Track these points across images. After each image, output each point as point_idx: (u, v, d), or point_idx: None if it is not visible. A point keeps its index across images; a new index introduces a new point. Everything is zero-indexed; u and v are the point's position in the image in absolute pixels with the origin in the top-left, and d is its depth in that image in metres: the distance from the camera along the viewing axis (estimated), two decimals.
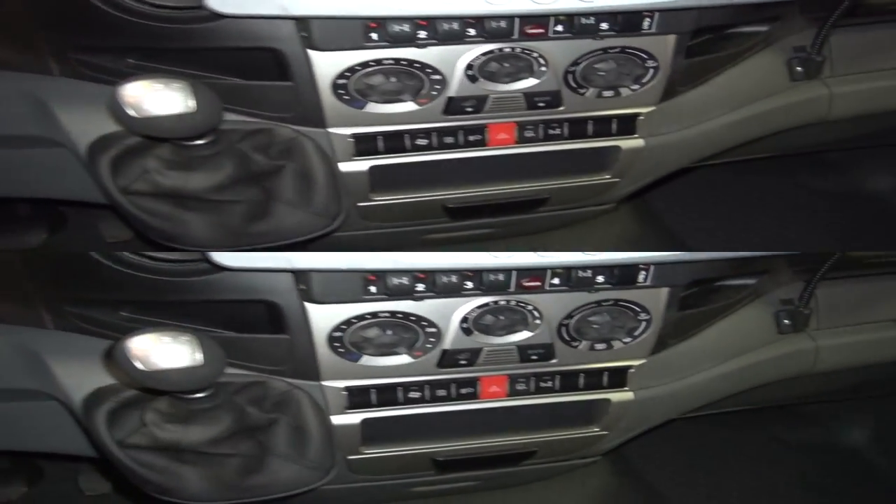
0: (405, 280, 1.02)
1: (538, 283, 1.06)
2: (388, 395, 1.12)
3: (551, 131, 1.19)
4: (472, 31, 1.03)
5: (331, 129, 1.10)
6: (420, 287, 1.03)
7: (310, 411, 1.08)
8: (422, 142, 1.15)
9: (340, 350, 1.06)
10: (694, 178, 1.67)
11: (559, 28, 1.06)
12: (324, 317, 1.04)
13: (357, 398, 1.11)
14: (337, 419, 1.13)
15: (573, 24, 1.06)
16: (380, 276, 1.01)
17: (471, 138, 1.17)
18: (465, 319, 1.07)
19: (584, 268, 1.05)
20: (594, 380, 1.16)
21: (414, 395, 1.13)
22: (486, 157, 1.21)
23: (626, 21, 1.07)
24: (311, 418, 1.08)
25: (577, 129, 1.21)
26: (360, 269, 1.00)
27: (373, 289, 1.02)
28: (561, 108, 1.17)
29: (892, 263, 1.40)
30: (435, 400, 1.14)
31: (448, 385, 1.12)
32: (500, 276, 1.04)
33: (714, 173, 1.71)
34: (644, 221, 1.78)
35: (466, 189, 1.25)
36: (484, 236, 1.43)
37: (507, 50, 1.08)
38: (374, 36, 1.01)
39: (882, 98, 1.44)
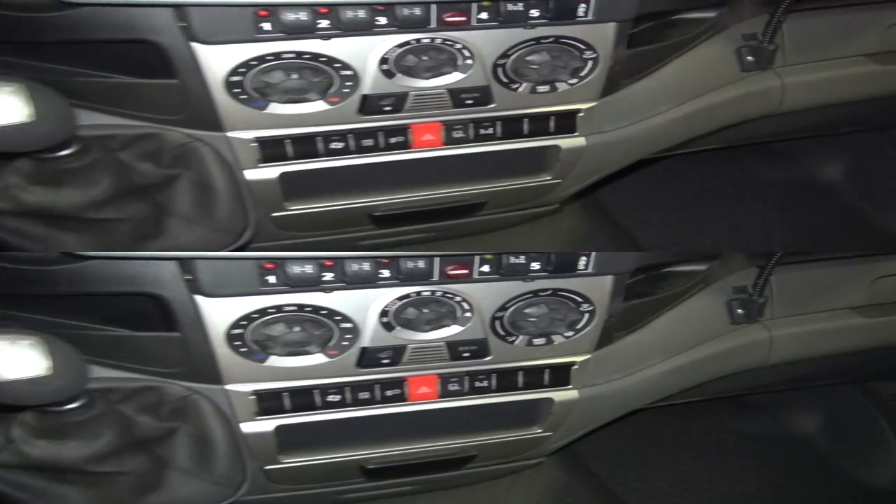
0: (309, 269, 0.83)
1: (465, 272, 0.89)
2: (303, 400, 0.94)
3: (482, 131, 1.00)
4: (382, 20, 0.83)
5: (230, 133, 0.90)
6: (327, 276, 0.84)
7: (213, 419, 0.91)
8: (337, 145, 0.95)
9: (243, 350, 0.88)
10: (640, 171, 1.49)
11: (483, 16, 0.86)
12: (219, 312, 0.85)
13: (268, 403, 0.93)
14: (247, 427, 0.95)
15: (499, 11, 0.87)
16: (279, 264, 0.83)
17: (392, 140, 0.97)
18: (384, 313, 0.90)
19: (516, 254, 0.88)
20: (534, 378, 1.01)
21: (333, 398, 0.95)
22: (411, 161, 1.02)
23: (559, 7, 0.89)
24: (216, 427, 0.91)
25: (512, 128, 1.02)
26: (253, 257, 0.81)
27: (271, 279, 0.83)
28: (492, 106, 0.98)
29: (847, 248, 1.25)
30: (358, 403, 0.96)
31: (371, 387, 0.96)
32: (421, 264, 0.86)
33: (660, 165, 1.57)
34: (591, 216, 1.62)
35: (392, 195, 1.06)
36: (421, 240, 1.25)
37: (426, 41, 0.88)
38: (266, 26, 0.80)
39: (836, 88, 1.28)
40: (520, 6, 0.87)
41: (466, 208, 1.13)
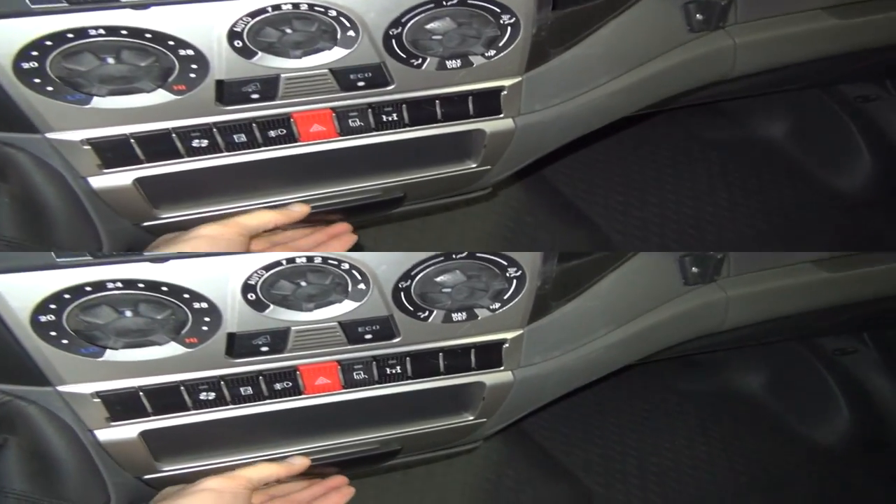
0: None
1: None
2: (167, 400, 0.65)
3: (385, 118, 0.69)
4: None
5: (50, 135, 0.56)
6: None
7: (49, 429, 0.63)
8: (200, 143, 0.62)
9: (64, 342, 0.58)
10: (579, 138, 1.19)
11: None
12: (14, 294, 0.55)
13: (119, 406, 0.64)
14: (103, 435, 0.65)
15: None
16: None
17: (272, 134, 0.65)
18: (248, 287, 0.60)
19: None
20: (458, 361, 0.72)
21: (206, 396, 0.66)
22: (302, 156, 0.70)
23: None
24: (54, 438, 0.63)
25: (421, 112, 0.72)
26: None
27: None
28: (391, 87, 0.65)
29: None
30: (241, 400, 0.68)
31: (253, 380, 0.67)
32: None
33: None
34: (529, 188, 1.33)
35: (289, 194, 0.73)
36: None
37: (287, 7, 0.53)
38: None
39: (791, 48, 0.97)
40: None
41: (381, 204, 0.81)
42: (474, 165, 0.81)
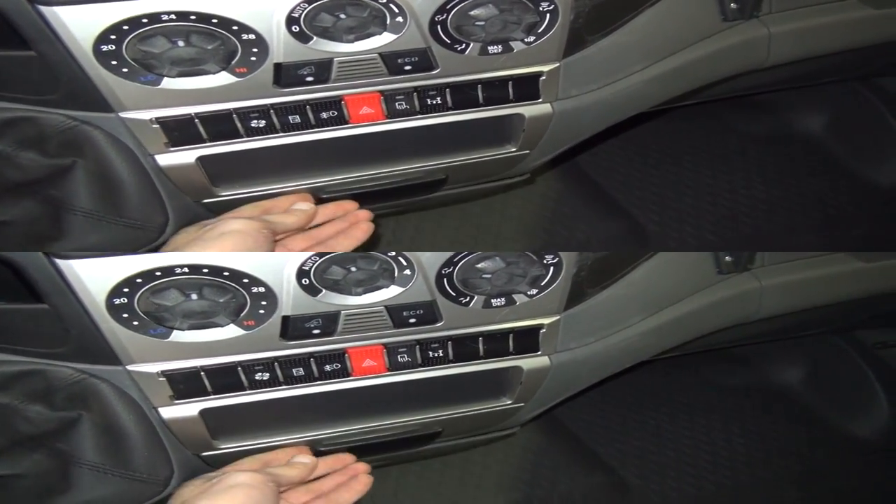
0: None
1: None
2: (225, 380, 0.70)
3: (430, 101, 0.75)
4: None
5: (124, 114, 0.61)
6: None
7: (119, 405, 0.68)
8: (258, 123, 0.68)
9: (135, 324, 0.63)
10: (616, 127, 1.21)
11: None
12: (91, 277, 0.60)
13: (183, 385, 0.69)
14: (167, 412, 0.71)
15: None
16: None
17: (324, 116, 0.71)
18: (303, 273, 0.64)
19: None
20: (497, 345, 0.76)
21: (261, 376, 0.71)
22: (351, 138, 0.76)
23: None
24: (124, 414, 0.68)
25: (464, 96, 0.76)
26: None
27: None
28: (436, 72, 0.70)
29: None
30: (293, 381, 0.72)
31: (306, 362, 0.71)
32: None
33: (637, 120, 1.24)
34: (566, 179, 1.35)
35: (337, 175, 0.79)
36: (386, 214, 0.96)
37: None
38: None
39: (826, 37, 1.00)
40: None
41: (424, 186, 0.85)
42: (513, 149, 0.85)
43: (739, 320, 0.98)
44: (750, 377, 1.48)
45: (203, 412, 0.72)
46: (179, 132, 0.68)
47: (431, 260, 0.67)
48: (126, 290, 0.62)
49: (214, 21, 0.61)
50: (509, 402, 0.84)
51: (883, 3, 0.98)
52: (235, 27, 0.61)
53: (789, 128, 1.54)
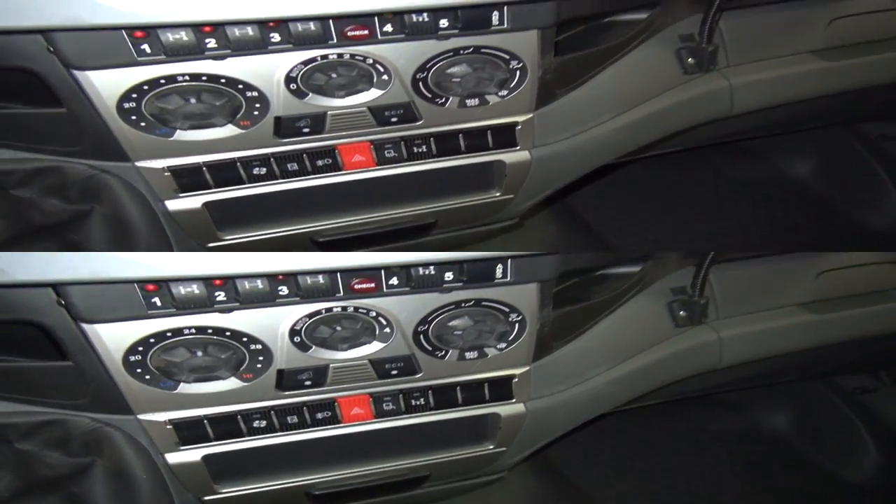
0: (196, 289, 0.67)
1: (372, 286, 0.72)
2: (226, 427, 0.78)
3: (416, 149, 0.84)
4: (275, 37, 0.66)
5: (139, 163, 0.72)
6: (220, 296, 0.68)
7: (130, 451, 0.76)
8: (259, 170, 0.77)
9: (147, 378, 0.72)
10: (612, 175, 1.33)
11: (388, 28, 0.69)
12: (110, 338, 0.69)
13: (188, 432, 0.77)
14: (172, 458, 0.78)
15: (404, 22, 0.68)
16: (160, 285, 0.66)
17: (320, 163, 0.80)
18: (295, 332, 0.73)
19: (425, 265, 0.70)
20: (474, 394, 0.84)
21: (259, 424, 0.79)
22: (345, 184, 0.85)
23: (469, 17, 0.73)
24: (134, 460, 0.76)
25: (446, 144, 0.85)
26: (129, 279, 0.65)
27: (157, 301, 0.67)
28: (420, 123, 0.80)
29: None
30: (288, 428, 0.80)
31: (298, 410, 0.80)
32: (321, 280, 0.70)
33: (631, 168, 1.36)
34: (562, 222, 1.42)
35: (333, 220, 0.89)
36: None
37: (333, 57, 0.69)
38: (146, 48, 0.62)
39: (786, 87, 1.09)
40: (425, 17, 0.69)
41: (416, 229, 0.94)
42: (498, 194, 0.94)
43: (704, 369, 1.04)
44: (740, 423, 1.52)
45: (206, 457, 0.80)
46: (188, 179, 0.78)
47: (408, 318, 0.76)
48: (141, 348, 0.70)
49: (223, 81, 0.71)
50: (491, 446, 0.92)
51: (834, 56, 1.10)
52: (241, 85, 0.72)
53: (780, 170, 1.62)
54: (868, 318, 1.09)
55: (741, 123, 1.15)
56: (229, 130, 0.75)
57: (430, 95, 0.79)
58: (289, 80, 0.73)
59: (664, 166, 1.47)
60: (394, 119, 0.80)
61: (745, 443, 1.46)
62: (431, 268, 0.71)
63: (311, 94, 0.75)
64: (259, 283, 0.68)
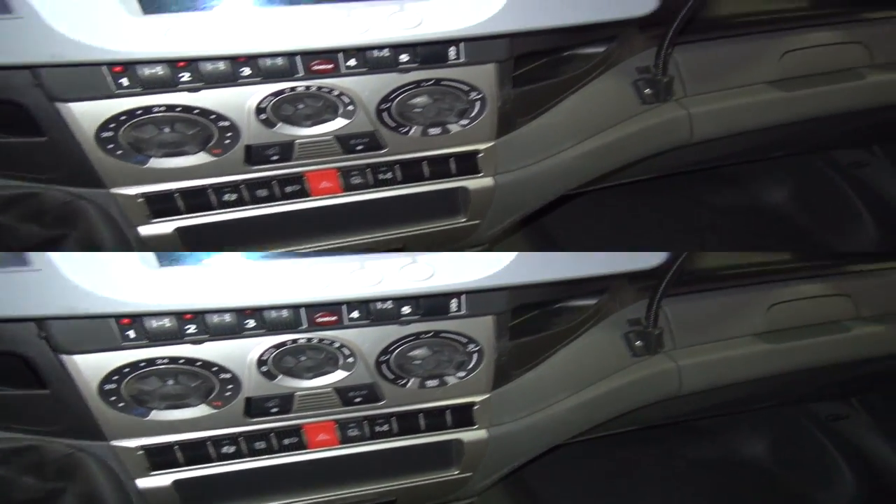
0: (167, 322, 0.71)
1: (335, 319, 0.76)
2: (196, 453, 0.82)
3: (382, 176, 0.88)
4: (245, 71, 0.71)
5: (114, 190, 0.77)
6: (190, 329, 0.72)
7: (101, 477, 0.79)
8: (229, 196, 0.82)
9: (120, 405, 0.76)
10: (587, 202, 1.36)
11: (352, 63, 0.75)
12: (87, 368, 0.73)
13: (159, 458, 0.81)
14: (143, 483, 0.82)
15: (367, 57, 0.75)
16: (135, 319, 0.71)
17: (288, 189, 0.85)
18: (262, 362, 0.78)
19: (382, 300, 0.75)
20: (436, 420, 0.88)
21: (228, 449, 0.83)
22: (313, 210, 0.89)
23: (427, 52, 0.78)
24: (105, 485, 0.79)
25: (411, 171, 0.91)
26: (105, 315, 0.69)
27: (131, 334, 0.72)
28: (384, 150, 0.85)
29: (738, 276, 1.10)
30: (256, 453, 0.84)
31: (266, 436, 0.84)
32: (285, 314, 0.75)
33: (607, 195, 1.38)
34: (537, 249, 1.45)
35: (301, 245, 0.92)
36: None
37: (300, 89, 0.75)
38: (124, 81, 0.67)
39: (744, 116, 1.14)
40: (386, 52, 0.75)
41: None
42: (464, 220, 1.00)
43: (665, 396, 1.08)
44: (716, 449, 1.54)
45: (176, 483, 0.84)
46: (160, 205, 0.83)
47: (370, 349, 0.81)
48: (115, 377, 0.74)
49: (196, 111, 0.77)
50: (457, 471, 0.95)
51: (790, 87, 1.17)
52: (213, 115, 0.77)
53: (754, 197, 1.67)
54: (823, 348, 1.13)
55: (707, 151, 1.21)
56: (201, 158, 0.80)
57: (393, 125, 0.85)
58: (259, 110, 0.78)
59: (641, 191, 1.49)
60: (359, 147, 0.85)
61: (721, 469, 1.48)
62: (389, 302, 0.76)
63: (280, 124, 0.80)
64: (227, 317, 0.73)
